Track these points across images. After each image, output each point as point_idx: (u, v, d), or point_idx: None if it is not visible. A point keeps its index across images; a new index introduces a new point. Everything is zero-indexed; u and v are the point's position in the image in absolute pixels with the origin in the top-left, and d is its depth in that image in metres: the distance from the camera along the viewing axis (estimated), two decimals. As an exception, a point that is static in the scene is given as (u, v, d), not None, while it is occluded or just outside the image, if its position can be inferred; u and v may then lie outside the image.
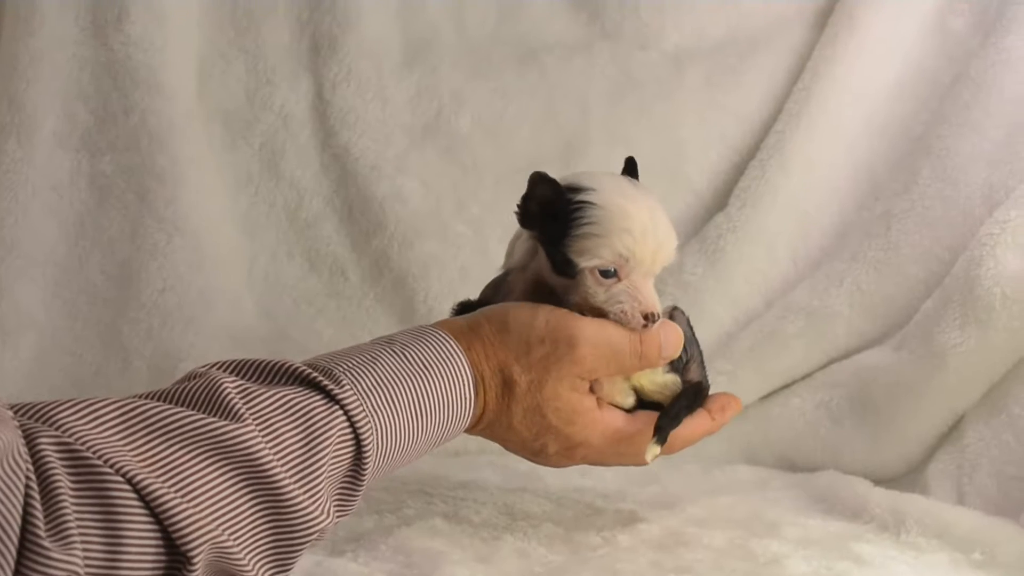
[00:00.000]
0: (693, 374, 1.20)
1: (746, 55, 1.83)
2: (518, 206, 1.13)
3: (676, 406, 1.15)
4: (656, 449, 1.13)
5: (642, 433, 1.14)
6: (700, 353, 1.23)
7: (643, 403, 1.18)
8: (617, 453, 1.17)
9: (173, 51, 1.74)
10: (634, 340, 1.12)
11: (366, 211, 1.77)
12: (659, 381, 1.17)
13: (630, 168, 1.20)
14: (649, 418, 1.15)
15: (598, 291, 1.11)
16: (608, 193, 1.11)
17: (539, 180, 1.11)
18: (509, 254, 1.22)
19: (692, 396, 1.18)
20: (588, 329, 1.11)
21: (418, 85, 1.83)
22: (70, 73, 1.71)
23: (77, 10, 1.71)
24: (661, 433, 1.13)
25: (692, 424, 1.18)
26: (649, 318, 1.11)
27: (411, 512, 1.29)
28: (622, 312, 1.11)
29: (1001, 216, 1.49)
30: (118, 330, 1.68)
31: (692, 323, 1.22)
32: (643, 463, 1.21)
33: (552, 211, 1.11)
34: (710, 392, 1.23)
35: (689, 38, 1.85)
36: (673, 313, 1.21)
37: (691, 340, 1.21)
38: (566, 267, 1.12)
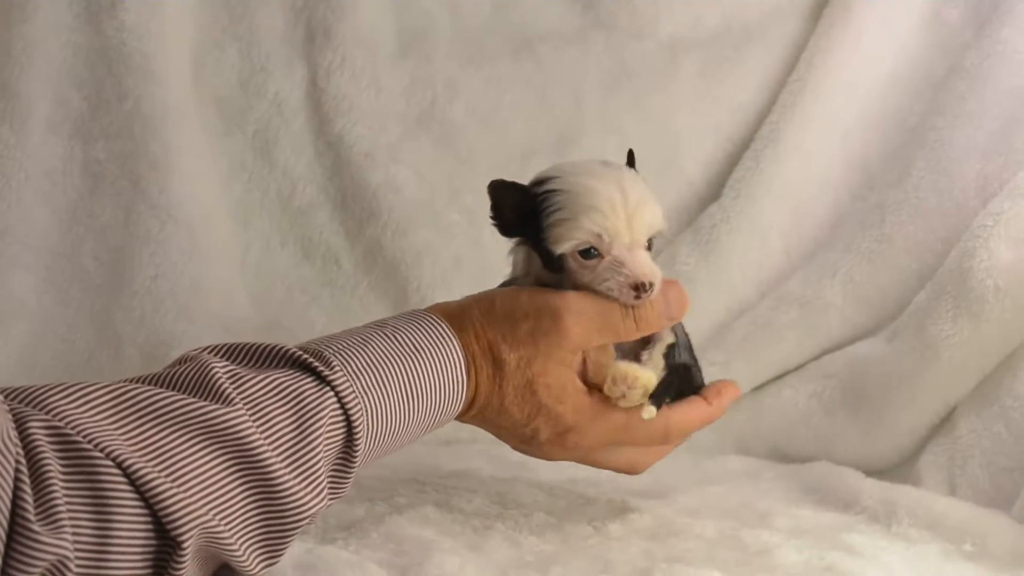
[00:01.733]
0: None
1: (741, 45, 1.83)
2: (491, 218, 1.14)
3: (664, 381, 1.14)
4: (652, 410, 1.12)
5: (631, 424, 1.14)
6: (694, 359, 1.23)
7: None
8: (610, 441, 1.16)
9: (167, 38, 1.73)
10: (628, 304, 1.11)
11: (360, 199, 1.77)
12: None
13: (629, 161, 1.19)
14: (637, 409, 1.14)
15: (584, 273, 1.11)
16: (570, 176, 1.11)
17: (498, 187, 1.12)
18: (514, 265, 1.22)
19: (681, 376, 1.18)
20: (572, 299, 1.11)
21: (412, 74, 1.83)
22: (64, 59, 1.71)
23: (71, -4, 1.71)
24: (657, 399, 1.12)
25: (688, 411, 1.18)
26: (640, 288, 1.10)
27: (403, 500, 1.29)
28: (609, 290, 1.10)
29: (995, 208, 1.48)
30: (110, 317, 1.68)
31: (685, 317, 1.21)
32: (636, 469, 1.22)
33: (524, 211, 1.12)
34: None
35: (684, 28, 1.84)
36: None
37: (685, 347, 1.21)
38: (552, 261, 1.12)
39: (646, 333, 1.14)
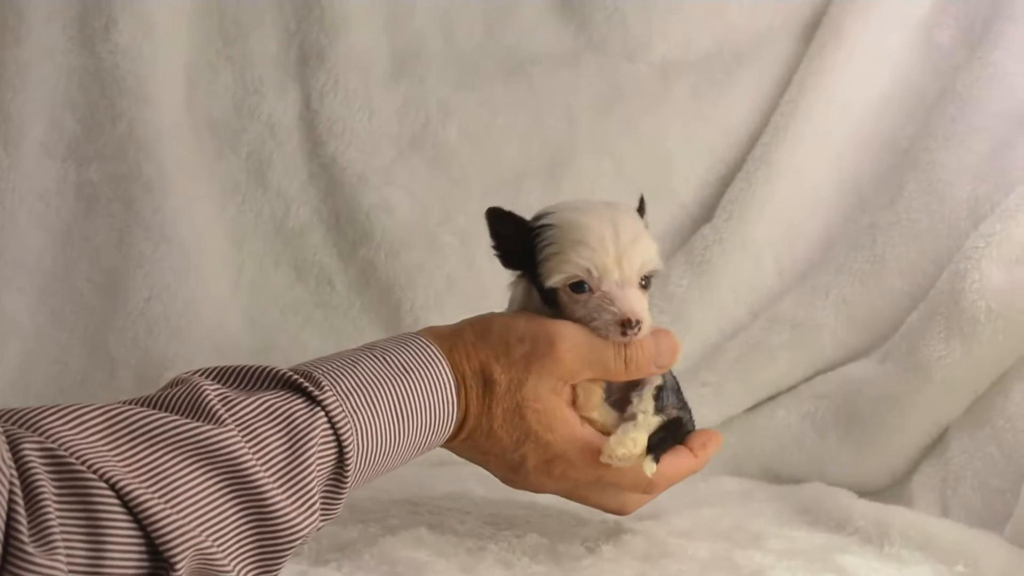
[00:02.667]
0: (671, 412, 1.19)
1: (733, 67, 1.84)
2: (493, 247, 1.15)
3: (659, 435, 1.14)
4: (653, 465, 1.11)
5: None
6: (682, 401, 1.22)
7: None
8: (595, 478, 1.16)
9: (161, 60, 1.74)
10: (619, 343, 1.12)
11: (353, 221, 1.77)
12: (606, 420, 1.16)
13: (640, 206, 1.20)
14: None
15: (576, 308, 1.12)
16: (564, 212, 1.12)
17: (495, 216, 1.13)
18: (512, 299, 1.22)
19: (674, 429, 1.17)
20: (568, 329, 1.11)
21: (405, 96, 1.83)
22: (57, 82, 1.71)
23: (65, 19, 1.71)
24: (655, 452, 1.12)
25: (675, 462, 1.17)
26: (626, 324, 1.10)
27: (396, 521, 1.29)
28: (596, 327, 1.11)
29: (986, 230, 1.49)
30: (104, 338, 1.68)
31: (678, 336, 1.21)
32: (623, 510, 1.23)
33: (522, 244, 1.13)
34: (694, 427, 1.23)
35: (676, 50, 1.85)
36: None
37: (674, 390, 1.21)
38: (547, 295, 1.13)
39: (635, 376, 1.15)
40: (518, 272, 1.19)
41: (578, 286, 1.11)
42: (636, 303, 1.11)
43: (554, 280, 1.11)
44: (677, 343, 1.16)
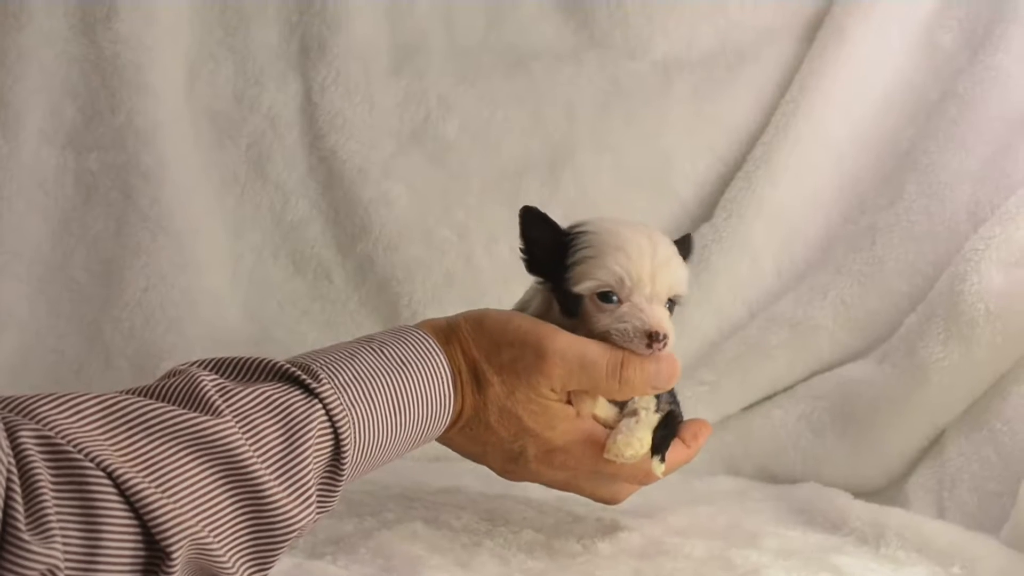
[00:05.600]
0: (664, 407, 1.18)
1: (734, 66, 1.84)
2: (521, 250, 1.14)
3: (660, 432, 1.14)
4: (662, 466, 1.12)
5: None
6: (672, 395, 1.21)
7: None
8: (594, 469, 1.16)
9: (162, 50, 1.74)
10: (613, 360, 1.10)
11: (352, 214, 1.77)
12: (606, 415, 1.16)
13: (685, 242, 1.20)
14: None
15: (600, 318, 1.11)
16: (604, 222, 1.12)
17: (531, 216, 1.13)
18: (525, 301, 1.21)
19: (671, 423, 1.17)
20: (561, 341, 1.10)
21: (406, 90, 1.83)
22: (58, 70, 1.71)
23: (66, 7, 1.72)
24: (659, 452, 1.12)
25: (671, 455, 1.17)
26: (653, 337, 1.08)
27: (391, 516, 1.29)
28: (624, 331, 1.09)
29: (986, 232, 1.49)
30: (101, 328, 1.68)
31: (675, 334, 1.20)
32: (615, 500, 1.23)
33: (554, 251, 1.12)
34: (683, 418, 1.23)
35: (677, 48, 1.85)
36: None
37: None
38: (570, 304, 1.12)
39: (627, 396, 1.14)
40: (539, 280, 1.18)
41: (606, 296, 1.10)
42: (665, 319, 1.10)
43: (584, 285, 1.10)
44: (678, 368, 1.13)
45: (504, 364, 1.10)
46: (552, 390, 1.11)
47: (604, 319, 1.10)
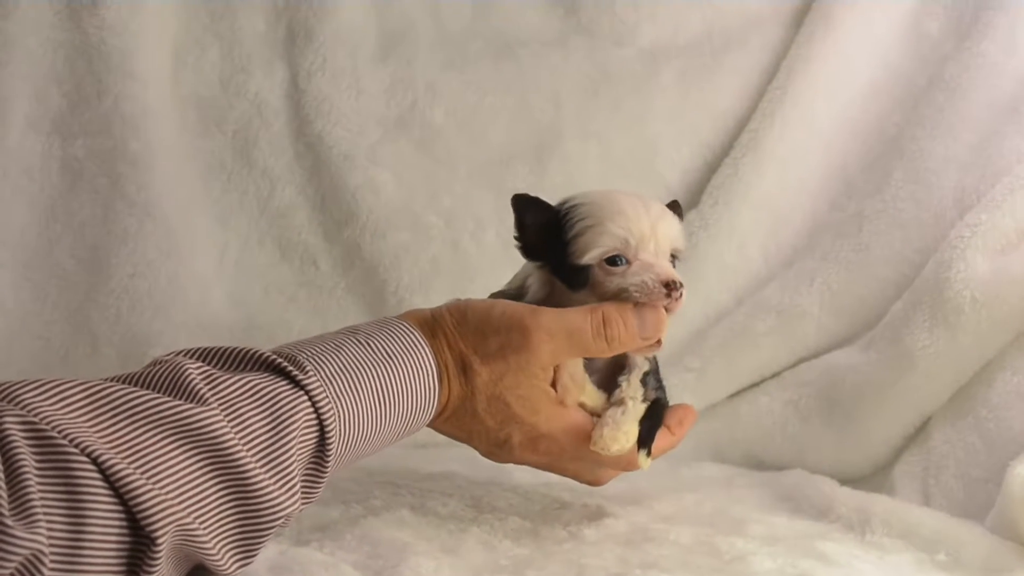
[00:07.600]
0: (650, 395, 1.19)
1: (721, 53, 1.84)
2: (516, 238, 1.15)
3: (646, 423, 1.15)
4: (648, 461, 1.15)
5: None
6: (658, 381, 1.22)
7: None
8: (578, 455, 1.17)
9: (148, 36, 1.73)
10: (595, 321, 1.10)
11: (338, 201, 1.77)
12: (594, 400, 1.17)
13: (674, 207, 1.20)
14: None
15: (611, 281, 1.11)
16: (594, 193, 1.13)
17: (523, 202, 1.13)
18: (519, 285, 1.21)
19: (656, 412, 1.18)
20: (543, 318, 1.10)
21: (393, 76, 1.83)
22: (43, 57, 1.71)
23: (52, -7, 1.71)
24: (645, 445, 1.14)
25: (657, 442, 1.18)
26: (671, 286, 1.09)
27: (378, 503, 1.29)
28: (641, 284, 1.10)
29: (972, 220, 1.49)
30: (87, 315, 1.68)
31: None
32: (598, 482, 1.24)
33: (549, 231, 1.12)
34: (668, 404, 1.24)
35: (664, 35, 1.85)
36: None
37: (655, 371, 1.21)
38: (576, 276, 1.13)
39: (618, 352, 1.14)
40: (536, 264, 1.18)
41: (613, 260, 1.11)
42: (672, 269, 1.12)
43: (592, 254, 1.11)
44: (663, 316, 1.13)
45: (491, 352, 1.11)
46: (543, 368, 1.12)
47: (616, 281, 1.11)
